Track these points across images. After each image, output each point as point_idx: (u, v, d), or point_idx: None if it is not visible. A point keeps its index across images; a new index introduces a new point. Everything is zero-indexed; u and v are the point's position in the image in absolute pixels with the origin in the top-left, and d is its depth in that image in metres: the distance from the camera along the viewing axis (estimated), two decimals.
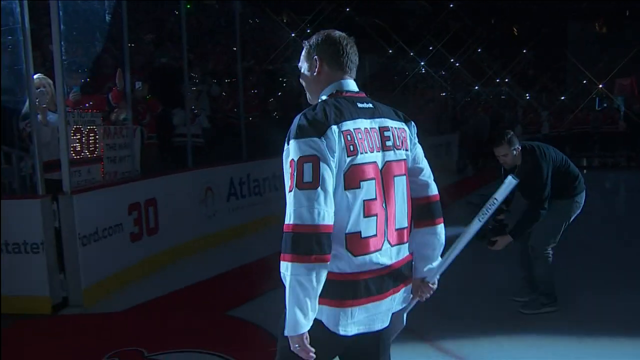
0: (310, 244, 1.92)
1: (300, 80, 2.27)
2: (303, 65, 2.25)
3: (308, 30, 13.63)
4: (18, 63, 5.15)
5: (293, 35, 15.47)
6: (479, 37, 21.65)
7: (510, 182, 2.25)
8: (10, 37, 5.20)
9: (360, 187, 2.02)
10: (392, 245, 2.13)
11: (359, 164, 2.02)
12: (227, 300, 5.33)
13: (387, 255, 2.11)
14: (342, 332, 2.05)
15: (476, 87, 21.97)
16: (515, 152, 4.62)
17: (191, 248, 6.93)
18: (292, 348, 1.99)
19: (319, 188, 1.94)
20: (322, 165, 1.95)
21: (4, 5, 5.21)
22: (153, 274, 6.13)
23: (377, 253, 2.07)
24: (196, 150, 7.58)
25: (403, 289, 2.20)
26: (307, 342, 1.97)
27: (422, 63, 21.24)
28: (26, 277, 5.06)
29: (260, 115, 9.95)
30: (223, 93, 9.62)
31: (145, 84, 7.33)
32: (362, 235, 2.04)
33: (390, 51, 20.51)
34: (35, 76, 5.30)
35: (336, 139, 1.98)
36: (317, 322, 2.01)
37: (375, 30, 19.42)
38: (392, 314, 2.19)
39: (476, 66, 21.79)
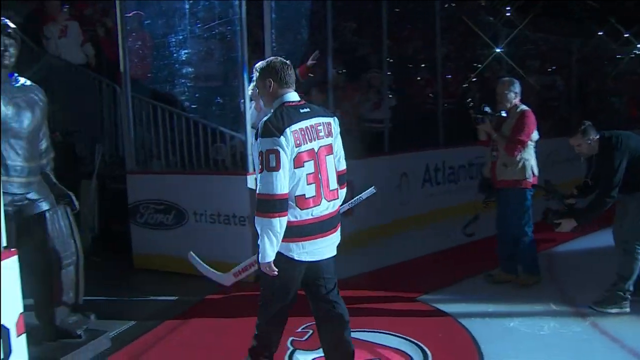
0: (274, 205, 3.01)
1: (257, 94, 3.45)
2: (259, 84, 3.27)
3: (508, 14, 12.92)
4: (234, 51, 5.60)
5: (492, 19, 14.86)
6: None
7: (370, 191, 3.99)
8: (229, 28, 5.66)
9: (303, 166, 3.10)
10: (328, 201, 3.21)
11: (302, 151, 3.09)
12: (419, 286, 5.34)
13: (325, 207, 3.19)
14: (297, 258, 3.17)
15: None
16: (590, 142, 4.63)
17: (385, 232, 7.03)
18: (262, 269, 3.11)
19: (280, 170, 3.00)
20: (282, 155, 3.01)
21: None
22: (347, 255, 6.26)
23: (316, 207, 3.16)
24: (391, 135, 7.63)
25: (339, 229, 3.35)
26: (272, 266, 3.06)
27: None
28: (234, 246, 5.50)
29: (458, 102, 9.71)
30: (418, 78, 9.57)
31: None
32: (306, 197, 3.13)
33: (600, 33, 18.62)
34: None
35: (289, 137, 3.04)
36: (279, 253, 3.10)
37: (585, 11, 17.79)
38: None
39: None
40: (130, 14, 6.54)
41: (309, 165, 3.10)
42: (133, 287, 5.68)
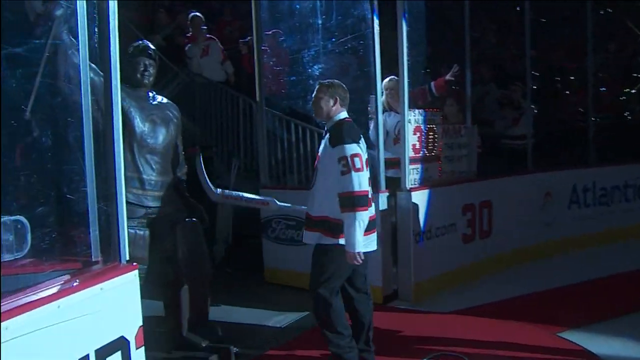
0: (361, 200, 3.56)
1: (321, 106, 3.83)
2: (325, 98, 3.80)
3: None
4: (367, 66, 5.48)
5: None
6: None
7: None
8: (361, 42, 5.57)
9: (367, 170, 3.70)
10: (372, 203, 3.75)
11: (365, 158, 3.70)
12: (562, 320, 4.78)
13: (372, 207, 3.73)
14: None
15: None
16: None
17: (525, 255, 6.52)
18: (349, 259, 3.60)
19: (363, 171, 3.61)
20: (362, 158, 3.64)
21: (358, 14, 5.61)
22: (483, 278, 5.92)
23: (371, 206, 3.70)
24: (534, 152, 7.10)
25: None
26: (362, 254, 3.61)
27: None
28: None
29: (613, 117, 8.86)
30: (566, 92, 8.86)
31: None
32: (369, 196, 3.65)
33: None
34: (387, 79, 5.61)
35: (362, 144, 3.72)
36: (340, 244, 3.67)
37: None
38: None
39: None
40: (270, 32, 6.69)
41: (366, 170, 3.68)
42: (262, 300, 5.70)
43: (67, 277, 2.74)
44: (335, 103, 3.78)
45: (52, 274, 2.82)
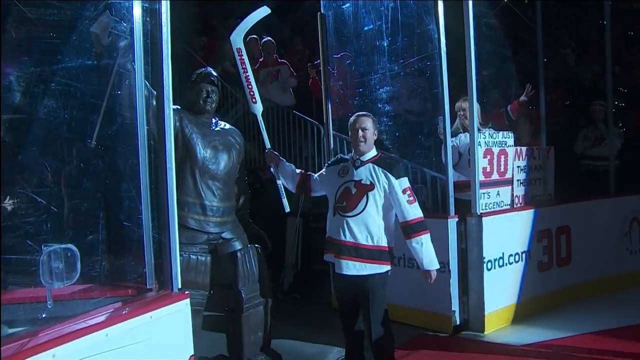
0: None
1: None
2: (372, 130, 3.98)
3: None
4: (435, 87, 5.34)
5: None
6: None
7: None
8: (428, 63, 5.44)
9: None
10: None
11: None
12: None
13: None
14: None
15: None
16: None
17: (607, 286, 6.08)
18: (431, 278, 3.99)
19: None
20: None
21: (424, 34, 5.50)
22: (561, 309, 5.56)
23: None
24: (618, 175, 6.65)
25: None
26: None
27: None
28: (431, 294, 5.13)
29: None
30: None
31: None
32: None
33: None
34: (460, 100, 5.48)
35: None
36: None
37: None
38: None
39: None
40: (339, 55, 6.68)
41: None
42: (327, 328, 5.60)
43: (118, 304, 2.77)
44: (375, 135, 4.03)
45: (104, 300, 2.87)
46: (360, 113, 4.05)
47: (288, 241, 6.83)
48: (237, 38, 4.29)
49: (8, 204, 3.05)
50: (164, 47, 2.95)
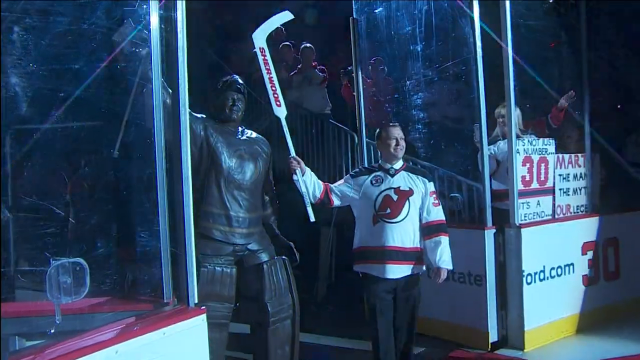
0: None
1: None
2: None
3: None
4: (470, 93, 5.14)
5: None
6: None
7: None
8: (464, 68, 5.24)
9: None
10: None
11: None
12: None
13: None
14: None
15: None
16: None
17: None
18: (444, 277, 4.06)
19: None
20: None
21: (459, 38, 5.31)
22: (609, 327, 5.23)
23: None
24: None
25: None
26: None
27: None
28: (467, 308, 4.97)
29: None
30: None
31: None
32: None
33: None
34: (499, 106, 5.29)
35: None
36: None
37: None
38: None
39: None
40: (372, 60, 6.53)
41: None
42: (361, 340, 5.45)
43: (130, 319, 2.67)
44: None
45: (116, 315, 2.79)
46: (391, 123, 4.25)
47: (322, 251, 6.69)
48: (260, 37, 4.15)
49: (22, 214, 3.02)
50: (180, 54, 2.88)
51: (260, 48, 4.13)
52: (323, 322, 5.86)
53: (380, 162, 4.18)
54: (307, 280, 6.46)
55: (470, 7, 4.91)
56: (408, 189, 4.01)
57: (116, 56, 3.26)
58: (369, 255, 4.00)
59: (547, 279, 5.02)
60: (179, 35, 2.87)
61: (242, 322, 4.13)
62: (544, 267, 5.00)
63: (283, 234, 4.26)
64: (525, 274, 4.86)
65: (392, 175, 4.06)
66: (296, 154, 4.13)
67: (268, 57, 4.16)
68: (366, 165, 4.52)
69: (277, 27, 8.21)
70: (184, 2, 2.92)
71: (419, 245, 4.03)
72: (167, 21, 2.92)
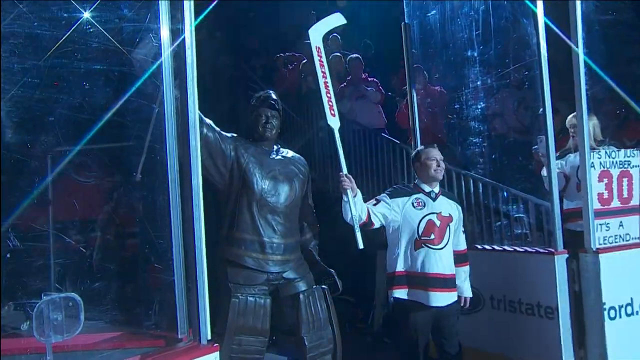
0: None
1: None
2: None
3: None
4: (535, 100, 4.65)
5: None
6: None
7: None
8: (526, 73, 4.76)
9: None
10: None
11: None
12: None
13: None
14: None
15: None
16: None
17: None
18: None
19: None
20: None
21: (520, 37, 4.83)
22: None
23: None
24: None
25: None
26: None
27: None
28: (536, 342, 4.42)
29: None
30: None
31: None
32: None
33: None
34: (570, 115, 4.80)
35: None
36: None
37: None
38: None
39: None
40: (426, 69, 6.13)
41: None
42: None
43: (135, 358, 2.44)
44: None
45: (123, 352, 2.61)
46: (428, 144, 4.14)
47: (378, 277, 6.26)
48: (316, 35, 3.80)
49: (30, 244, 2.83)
50: (189, 70, 2.66)
51: (316, 47, 3.78)
52: (378, 355, 5.49)
53: (416, 182, 4.03)
54: (363, 308, 6.07)
55: (533, 3, 4.39)
56: (448, 214, 3.94)
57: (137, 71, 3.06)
58: (412, 280, 3.89)
59: (636, 313, 4.39)
60: (188, 52, 2.68)
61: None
62: (631, 299, 4.37)
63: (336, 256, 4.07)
64: (607, 307, 4.25)
65: (434, 199, 3.96)
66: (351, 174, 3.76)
67: (324, 59, 3.81)
68: (401, 185, 4.29)
69: (334, 35, 8.02)
70: (192, 16, 2.75)
71: (454, 272, 3.98)
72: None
